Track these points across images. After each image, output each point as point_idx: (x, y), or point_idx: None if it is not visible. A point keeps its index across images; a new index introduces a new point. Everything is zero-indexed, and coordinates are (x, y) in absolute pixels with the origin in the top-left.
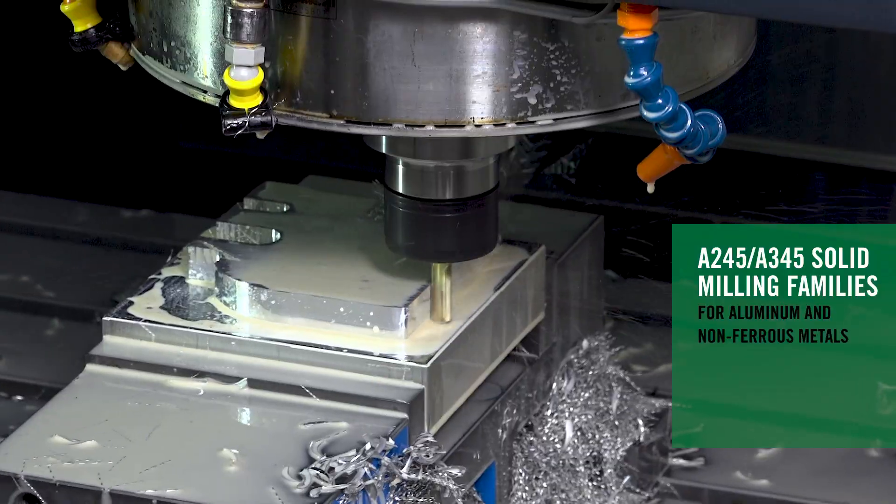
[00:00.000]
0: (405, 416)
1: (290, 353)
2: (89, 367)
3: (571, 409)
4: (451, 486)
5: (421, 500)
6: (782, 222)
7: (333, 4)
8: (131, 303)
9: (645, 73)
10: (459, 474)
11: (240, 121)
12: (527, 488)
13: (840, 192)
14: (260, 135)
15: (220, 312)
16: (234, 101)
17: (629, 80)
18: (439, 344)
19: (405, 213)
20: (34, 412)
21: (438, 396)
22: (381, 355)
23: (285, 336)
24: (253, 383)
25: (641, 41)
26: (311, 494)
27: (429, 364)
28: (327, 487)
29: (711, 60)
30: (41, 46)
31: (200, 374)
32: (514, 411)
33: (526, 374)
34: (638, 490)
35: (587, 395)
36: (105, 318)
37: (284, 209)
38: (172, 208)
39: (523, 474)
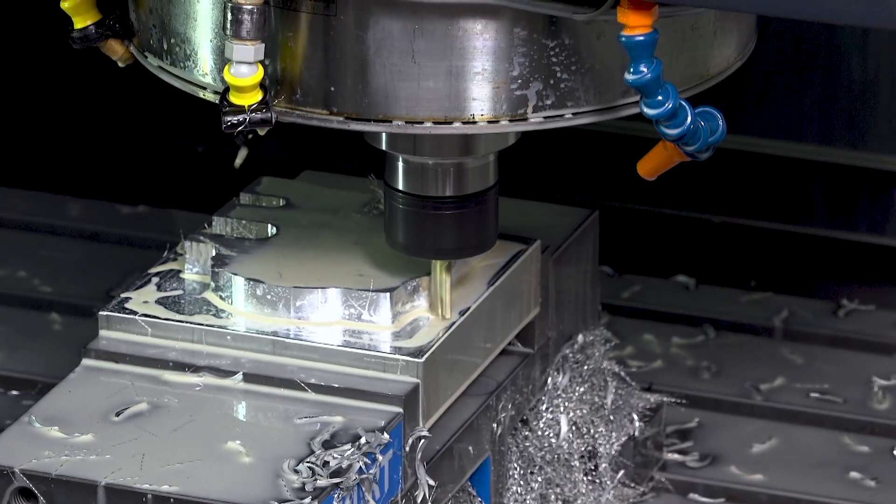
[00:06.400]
0: (400, 410)
1: (285, 348)
2: (86, 361)
3: (566, 403)
4: None
5: None
6: (782, 223)
7: (333, 1)
8: (128, 297)
9: (645, 69)
10: None
11: (240, 117)
12: (522, 482)
13: (840, 193)
14: (260, 131)
15: (215, 307)
16: (234, 98)
17: (629, 76)
18: (434, 338)
19: (405, 210)
20: (30, 407)
21: (433, 391)
22: (375, 349)
23: (280, 330)
24: (248, 377)
25: (641, 38)
26: (307, 488)
27: (424, 358)
28: (322, 481)
29: (711, 57)
30: (40, 43)
31: (196, 369)
32: (510, 406)
33: (521, 369)
34: (633, 485)
35: (582, 389)
36: (101, 313)
37: (281, 203)
38: (170, 205)
39: (518, 468)
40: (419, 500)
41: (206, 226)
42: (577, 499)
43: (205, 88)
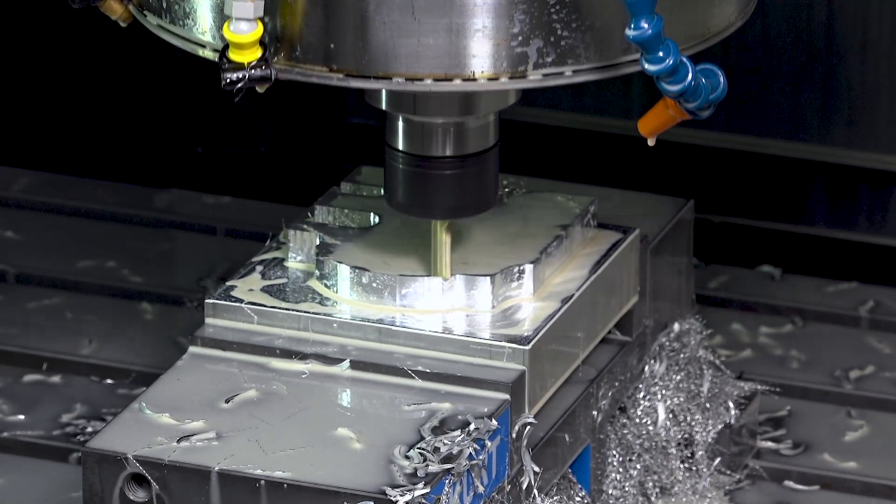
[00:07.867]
0: (507, 397)
1: (391, 336)
2: (192, 348)
3: (663, 391)
4: None
5: None
6: (782, 222)
7: None
8: (233, 286)
9: (646, 25)
10: None
11: (239, 74)
12: (620, 470)
13: (840, 193)
14: (259, 89)
15: (320, 295)
16: (234, 56)
17: (630, 32)
18: (539, 326)
19: (405, 171)
20: (125, 395)
21: (538, 378)
22: (481, 337)
23: (386, 318)
24: (355, 365)
25: None
26: (419, 474)
27: (530, 346)
28: (434, 467)
29: (712, 16)
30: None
31: (303, 356)
32: (609, 394)
33: (619, 357)
34: (728, 472)
35: (678, 377)
36: (207, 301)
37: (381, 192)
38: (258, 197)
39: (617, 456)
40: (524, 486)
41: (307, 214)
42: (673, 486)
43: (204, 47)
